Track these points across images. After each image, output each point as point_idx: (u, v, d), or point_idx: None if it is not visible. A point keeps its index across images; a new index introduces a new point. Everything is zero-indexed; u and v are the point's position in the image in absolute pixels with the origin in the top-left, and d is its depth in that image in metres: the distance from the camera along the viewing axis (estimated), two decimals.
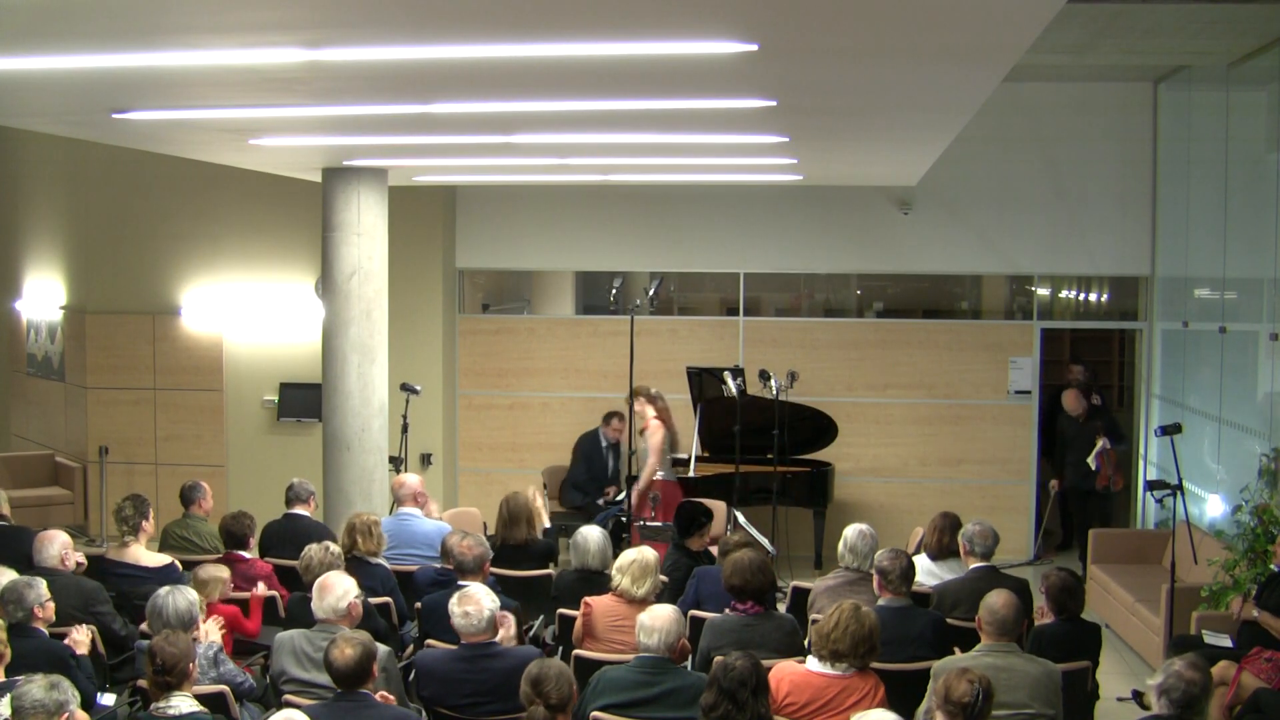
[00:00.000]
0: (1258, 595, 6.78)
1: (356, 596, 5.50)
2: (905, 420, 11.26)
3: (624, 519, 9.53)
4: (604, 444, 10.79)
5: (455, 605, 5.28)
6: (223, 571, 6.40)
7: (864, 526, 6.56)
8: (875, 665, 5.55)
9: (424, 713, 5.41)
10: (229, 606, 6.34)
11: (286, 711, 4.34)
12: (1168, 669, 4.64)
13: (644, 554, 6.00)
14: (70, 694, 4.33)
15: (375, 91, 5.52)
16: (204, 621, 5.64)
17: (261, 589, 6.66)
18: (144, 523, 6.95)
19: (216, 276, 11.83)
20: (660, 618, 5.07)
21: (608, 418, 10.76)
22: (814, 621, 6.15)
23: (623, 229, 11.76)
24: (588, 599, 6.02)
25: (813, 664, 5.00)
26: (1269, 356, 8.58)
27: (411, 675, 6.20)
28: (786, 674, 5.00)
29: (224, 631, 5.85)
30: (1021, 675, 5.04)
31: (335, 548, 6.33)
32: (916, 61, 4.76)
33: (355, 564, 6.68)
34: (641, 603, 5.71)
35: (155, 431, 11.94)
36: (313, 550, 6.22)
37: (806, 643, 5.81)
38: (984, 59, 4.71)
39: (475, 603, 5.26)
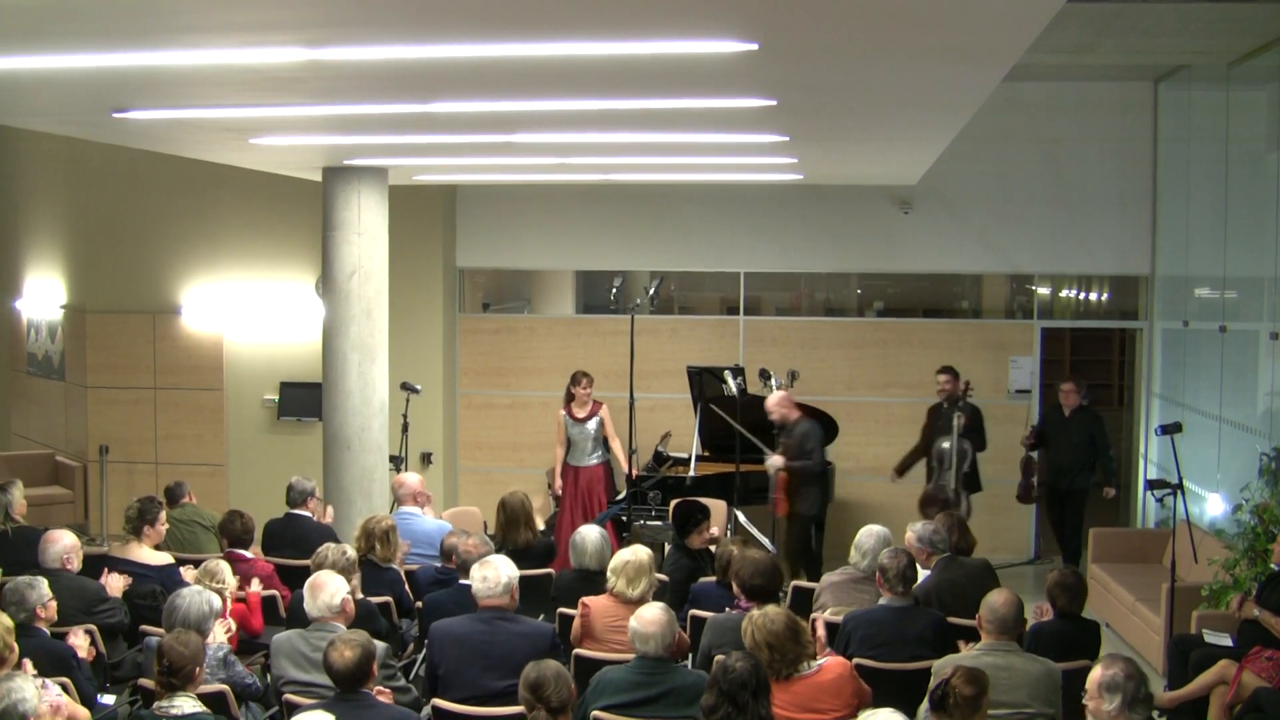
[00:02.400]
0: (1258, 594, 6.78)
1: (349, 593, 5.52)
2: (906, 419, 11.24)
3: (624, 518, 9.53)
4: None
5: (476, 570, 5.54)
6: (225, 564, 6.42)
7: (876, 528, 6.65)
8: (876, 665, 5.57)
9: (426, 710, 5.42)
10: (239, 605, 6.35)
11: (317, 713, 4.33)
12: (1116, 685, 4.37)
13: (638, 554, 5.98)
14: (26, 690, 4.21)
15: (375, 91, 5.52)
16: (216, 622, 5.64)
17: (256, 585, 6.65)
18: (147, 528, 6.91)
19: (217, 276, 11.84)
20: (651, 621, 5.02)
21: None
22: (813, 620, 6.19)
23: (623, 228, 11.76)
24: (585, 599, 6.02)
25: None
26: (1269, 356, 8.58)
27: (414, 672, 6.22)
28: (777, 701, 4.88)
29: (230, 635, 5.83)
30: (1022, 674, 5.04)
31: (352, 552, 6.31)
32: (917, 61, 4.75)
33: (368, 568, 6.67)
34: (638, 603, 5.70)
35: (155, 431, 11.94)
36: (329, 550, 6.20)
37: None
38: (984, 58, 4.71)
39: (494, 568, 5.50)
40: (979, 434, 10.12)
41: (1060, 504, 10.15)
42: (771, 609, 5.04)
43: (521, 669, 4.68)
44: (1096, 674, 4.47)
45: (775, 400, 9.34)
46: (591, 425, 9.97)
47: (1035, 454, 10.30)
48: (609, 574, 5.98)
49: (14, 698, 4.20)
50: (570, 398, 10.00)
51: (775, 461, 9.20)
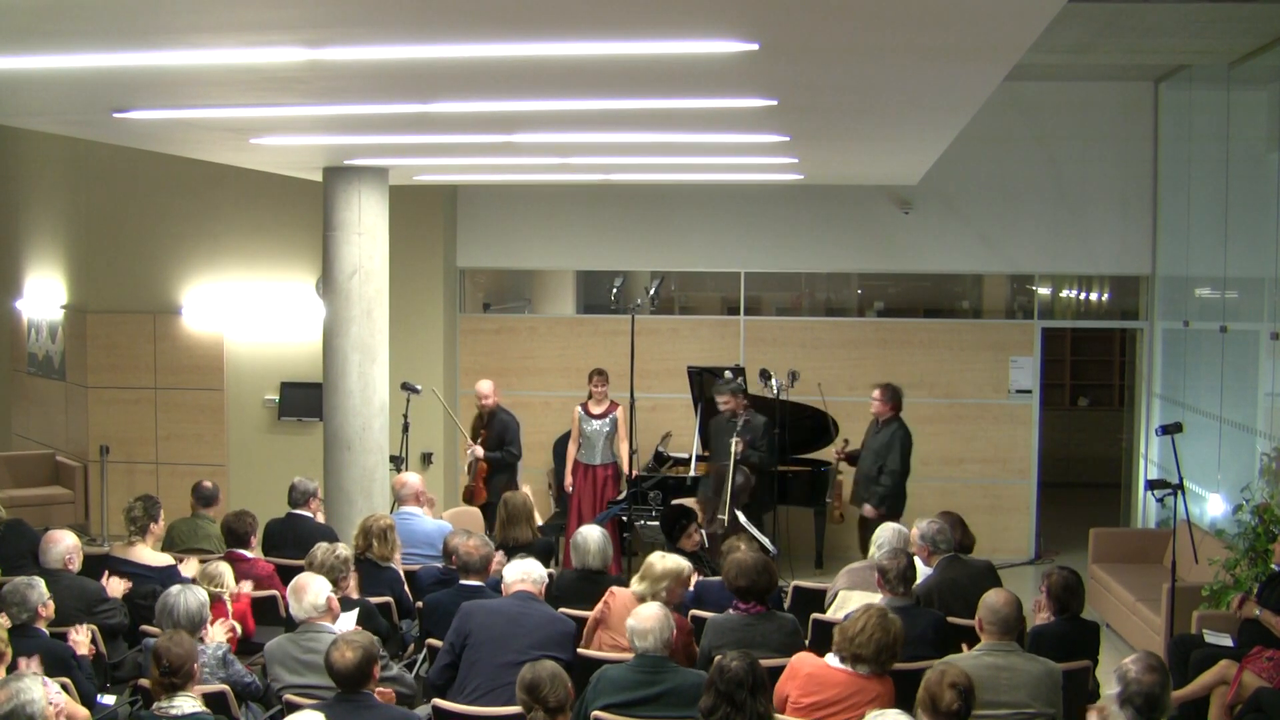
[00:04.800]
0: (1259, 594, 6.78)
1: (332, 591, 5.57)
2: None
3: (625, 518, 9.53)
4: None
5: (514, 562, 6.02)
6: (226, 566, 6.42)
7: (896, 525, 6.86)
8: None
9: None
10: (238, 605, 6.35)
11: (308, 713, 4.33)
12: (1123, 677, 4.49)
13: (677, 563, 5.96)
14: (34, 691, 4.20)
15: (376, 91, 5.52)
16: (212, 624, 5.64)
17: (248, 587, 6.64)
18: (153, 524, 6.96)
19: (217, 276, 11.84)
20: (648, 618, 5.05)
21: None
22: (833, 597, 6.33)
23: (623, 228, 11.76)
24: (614, 589, 6.08)
25: (833, 660, 5.01)
26: (1270, 355, 8.58)
27: (414, 673, 6.21)
28: (806, 666, 5.03)
29: (231, 636, 5.83)
30: (1023, 675, 5.04)
31: (343, 551, 6.31)
32: (917, 60, 4.75)
33: (367, 567, 6.67)
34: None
35: (156, 431, 11.94)
36: (320, 550, 6.21)
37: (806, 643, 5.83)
38: (985, 58, 4.71)
39: (530, 561, 6.01)
40: (764, 451, 9.27)
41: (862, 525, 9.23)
42: (895, 619, 5.02)
43: (552, 643, 4.94)
44: (1124, 662, 4.55)
45: (481, 388, 9.92)
46: (603, 424, 9.96)
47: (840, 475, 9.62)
48: (635, 580, 6.00)
49: (22, 698, 4.20)
50: (590, 393, 10.09)
51: (476, 451, 9.73)
